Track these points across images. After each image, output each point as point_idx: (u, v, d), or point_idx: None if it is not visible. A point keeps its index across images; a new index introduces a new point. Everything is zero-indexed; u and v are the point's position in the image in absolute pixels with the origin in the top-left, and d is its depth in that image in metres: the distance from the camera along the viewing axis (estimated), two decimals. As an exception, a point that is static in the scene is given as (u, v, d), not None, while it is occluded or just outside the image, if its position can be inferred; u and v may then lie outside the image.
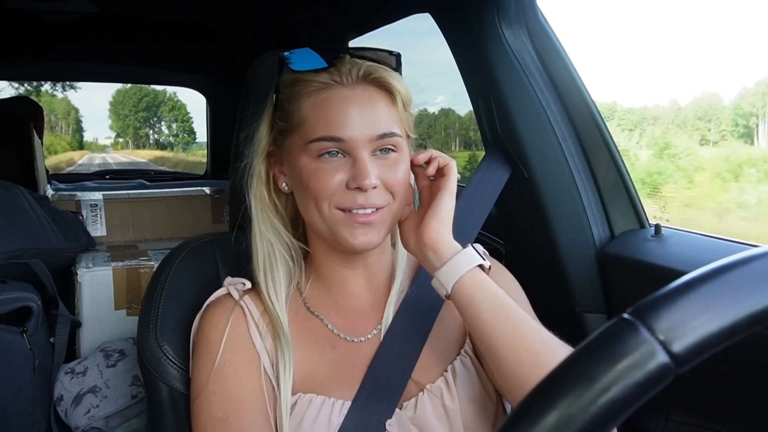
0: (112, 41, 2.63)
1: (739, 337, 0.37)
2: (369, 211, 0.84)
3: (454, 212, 0.85)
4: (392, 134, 0.85)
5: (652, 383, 0.36)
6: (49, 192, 2.55)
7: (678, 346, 0.36)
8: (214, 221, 2.67)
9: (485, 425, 0.87)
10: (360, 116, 0.83)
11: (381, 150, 0.85)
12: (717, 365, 0.64)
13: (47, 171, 2.74)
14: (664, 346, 0.36)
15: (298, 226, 0.96)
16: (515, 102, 1.20)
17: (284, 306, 0.88)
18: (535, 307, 1.01)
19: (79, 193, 2.59)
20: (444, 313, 0.95)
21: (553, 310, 1.14)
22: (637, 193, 1.22)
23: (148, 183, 3.19)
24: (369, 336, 0.92)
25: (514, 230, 1.31)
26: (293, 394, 0.85)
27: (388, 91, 0.87)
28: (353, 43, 2.12)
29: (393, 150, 0.86)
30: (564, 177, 1.19)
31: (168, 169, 5.47)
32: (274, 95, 0.91)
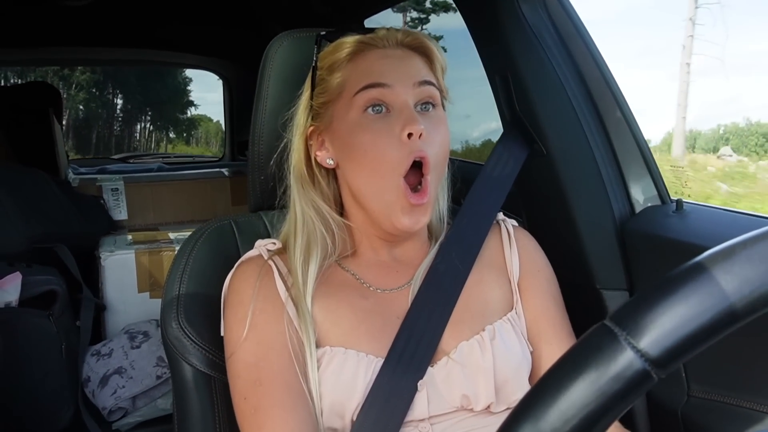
0: (127, 25, 2.64)
1: (720, 335, 0.36)
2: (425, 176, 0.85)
3: (472, 193, 0.86)
4: (431, 83, 0.88)
5: (632, 391, 0.36)
6: (71, 176, 2.58)
7: (656, 352, 0.36)
8: (233, 203, 2.69)
9: (518, 386, 0.87)
10: (401, 66, 0.88)
11: (422, 106, 0.88)
12: (739, 338, 0.64)
13: (67, 155, 2.77)
14: (642, 353, 0.36)
15: (339, 204, 0.97)
16: (533, 78, 1.19)
17: (311, 285, 0.88)
18: (555, 285, 1.01)
19: (100, 177, 2.62)
20: (485, 275, 0.96)
21: (574, 287, 1.14)
22: (657, 169, 1.21)
23: (167, 166, 3.21)
24: (399, 288, 0.93)
25: (534, 207, 1.30)
26: (321, 346, 0.85)
27: (426, 55, 0.91)
28: (369, 21, 2.11)
29: (432, 105, 0.89)
30: (583, 153, 1.18)
31: (186, 154, 5.60)
32: (311, 75, 0.93)
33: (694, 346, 0.36)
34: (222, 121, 3.46)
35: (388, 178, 0.85)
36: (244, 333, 0.85)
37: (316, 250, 0.90)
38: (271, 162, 1.01)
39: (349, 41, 0.89)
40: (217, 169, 2.86)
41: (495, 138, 1.23)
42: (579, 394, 0.36)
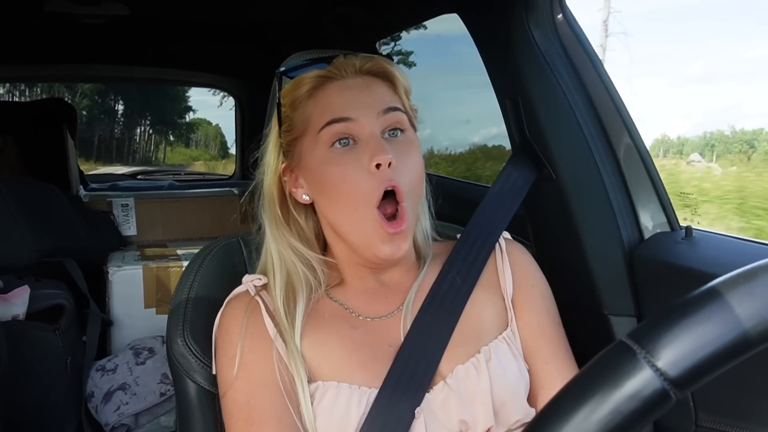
0: (142, 43, 2.67)
1: (741, 358, 0.36)
2: (399, 209, 0.84)
3: (478, 214, 0.85)
4: (397, 108, 0.87)
5: (650, 411, 0.35)
6: (82, 192, 2.60)
7: (676, 372, 0.35)
8: (242, 221, 2.70)
9: (516, 408, 0.86)
10: (362, 96, 0.86)
11: (390, 132, 0.87)
12: (748, 366, 0.63)
13: (80, 171, 2.80)
14: (662, 373, 0.35)
15: (321, 237, 0.96)
16: (544, 103, 1.19)
17: (299, 323, 0.87)
18: (562, 309, 1.01)
19: (110, 193, 2.64)
20: (479, 294, 0.94)
21: (581, 312, 1.13)
22: (667, 195, 1.20)
23: (178, 183, 3.23)
24: (389, 315, 0.91)
25: (542, 232, 1.30)
26: (313, 381, 0.84)
27: (387, 79, 0.90)
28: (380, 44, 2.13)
29: (401, 130, 0.88)
30: (592, 178, 1.18)
31: (198, 171, 5.67)
32: (277, 112, 0.92)
33: (714, 368, 0.35)
34: (220, 124, 3.48)
35: (362, 209, 0.84)
36: (234, 372, 0.84)
37: (301, 289, 0.89)
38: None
39: (308, 77, 0.88)
40: (227, 188, 2.88)
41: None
42: (594, 412, 0.35)
